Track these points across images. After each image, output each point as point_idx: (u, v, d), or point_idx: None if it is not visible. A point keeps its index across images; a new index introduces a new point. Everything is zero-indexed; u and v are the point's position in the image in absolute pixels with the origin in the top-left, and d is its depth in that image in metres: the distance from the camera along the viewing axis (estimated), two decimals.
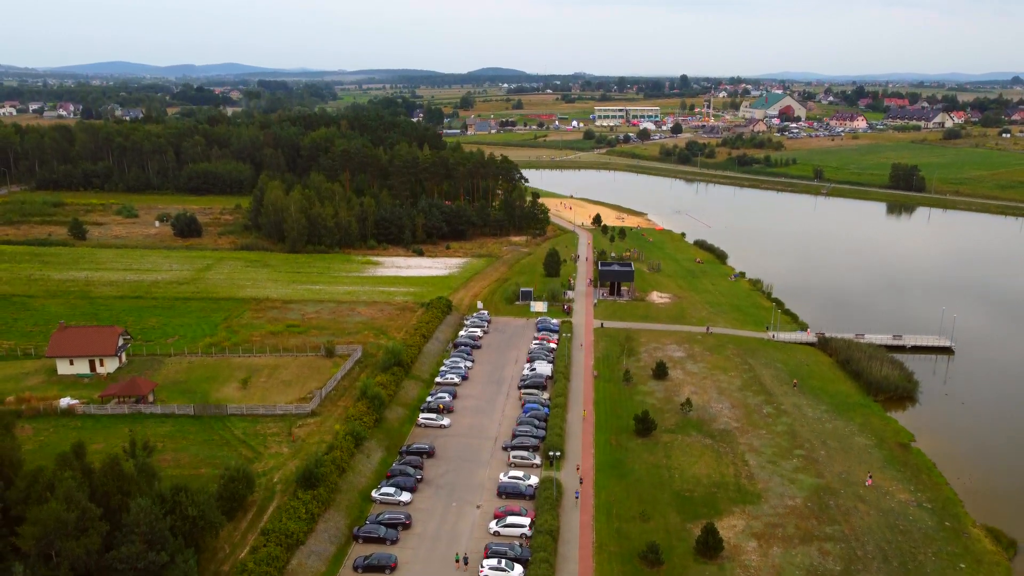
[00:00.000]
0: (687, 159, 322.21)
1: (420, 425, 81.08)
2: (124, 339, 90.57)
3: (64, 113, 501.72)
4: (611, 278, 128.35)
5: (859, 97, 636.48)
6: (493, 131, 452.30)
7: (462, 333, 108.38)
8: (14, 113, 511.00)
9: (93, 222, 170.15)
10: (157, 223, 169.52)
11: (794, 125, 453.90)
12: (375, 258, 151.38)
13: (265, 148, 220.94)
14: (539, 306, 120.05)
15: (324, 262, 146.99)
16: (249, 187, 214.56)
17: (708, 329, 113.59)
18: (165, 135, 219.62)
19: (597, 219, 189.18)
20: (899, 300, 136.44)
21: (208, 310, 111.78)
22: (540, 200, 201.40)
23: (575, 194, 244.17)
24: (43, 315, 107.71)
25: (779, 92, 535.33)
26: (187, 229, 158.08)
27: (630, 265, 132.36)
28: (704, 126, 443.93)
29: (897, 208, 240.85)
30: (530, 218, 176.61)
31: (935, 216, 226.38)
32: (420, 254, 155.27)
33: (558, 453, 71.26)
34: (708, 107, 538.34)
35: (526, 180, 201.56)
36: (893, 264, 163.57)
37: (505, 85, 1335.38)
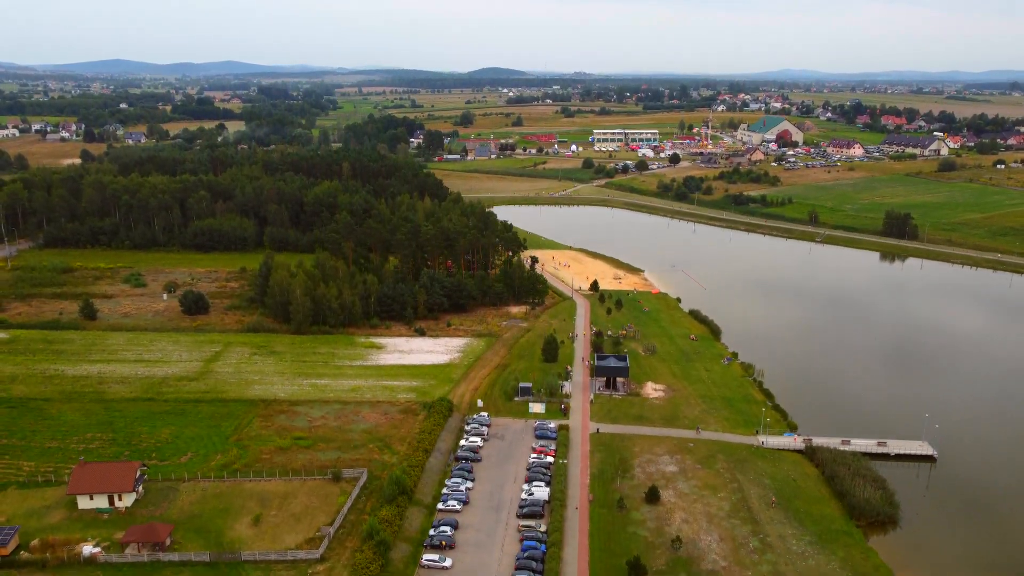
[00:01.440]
0: (684, 196, 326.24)
1: (424, 566, 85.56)
2: (141, 471, 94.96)
3: (67, 135, 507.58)
4: (607, 373, 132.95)
5: (857, 114, 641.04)
6: (493, 156, 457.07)
7: (463, 443, 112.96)
8: (17, 134, 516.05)
9: (102, 294, 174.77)
10: (165, 295, 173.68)
11: (791, 153, 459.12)
12: (378, 340, 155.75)
13: (269, 204, 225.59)
14: (537, 407, 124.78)
15: (328, 346, 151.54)
16: (253, 244, 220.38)
17: (699, 431, 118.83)
18: (170, 190, 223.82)
19: (595, 285, 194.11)
20: (886, 383, 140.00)
21: (218, 417, 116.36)
22: (539, 259, 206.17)
23: (575, 243, 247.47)
24: (60, 425, 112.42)
25: (777, 117, 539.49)
26: (194, 306, 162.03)
27: (625, 359, 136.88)
28: (702, 154, 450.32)
29: (890, 257, 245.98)
30: (529, 288, 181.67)
31: (926, 270, 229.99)
32: (422, 334, 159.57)
33: None
34: (706, 127, 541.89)
35: (524, 246, 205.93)
36: (881, 335, 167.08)
37: (505, 91, 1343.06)
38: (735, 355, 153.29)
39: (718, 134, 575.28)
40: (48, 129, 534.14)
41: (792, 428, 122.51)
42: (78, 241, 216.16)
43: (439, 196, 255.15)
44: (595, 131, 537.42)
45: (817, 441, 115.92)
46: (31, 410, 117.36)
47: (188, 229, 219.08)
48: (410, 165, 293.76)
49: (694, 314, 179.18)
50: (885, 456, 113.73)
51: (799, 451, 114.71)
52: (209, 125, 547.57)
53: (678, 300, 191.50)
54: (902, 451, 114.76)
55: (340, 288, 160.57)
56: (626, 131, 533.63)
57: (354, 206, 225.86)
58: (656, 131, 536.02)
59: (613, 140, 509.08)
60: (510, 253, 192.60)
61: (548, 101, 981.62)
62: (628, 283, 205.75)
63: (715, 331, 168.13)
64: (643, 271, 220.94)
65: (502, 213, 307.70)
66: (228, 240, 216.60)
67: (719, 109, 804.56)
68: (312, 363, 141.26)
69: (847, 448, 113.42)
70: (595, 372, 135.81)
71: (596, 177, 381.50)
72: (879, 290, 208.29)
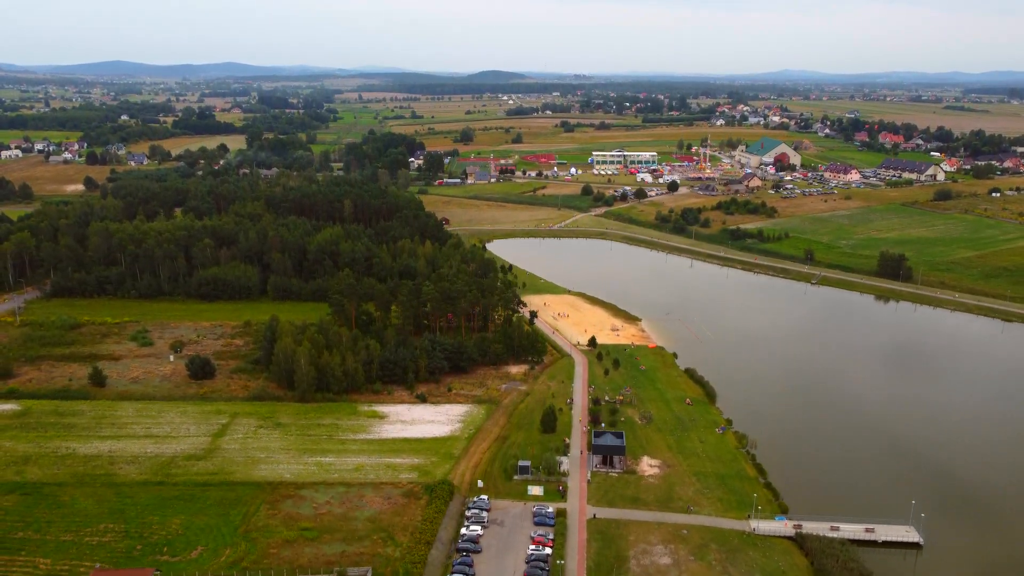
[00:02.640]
0: (682, 229, 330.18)
1: None
2: (156, 573, 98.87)
3: (69, 156, 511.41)
4: (604, 452, 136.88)
5: (855, 130, 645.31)
6: (493, 179, 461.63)
7: (463, 531, 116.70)
8: (20, 155, 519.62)
9: (110, 355, 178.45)
10: (171, 356, 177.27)
11: (789, 178, 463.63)
12: (380, 408, 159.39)
13: (272, 252, 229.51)
14: (536, 489, 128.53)
15: (332, 416, 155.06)
16: (257, 292, 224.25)
17: (689, 510, 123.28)
18: (175, 239, 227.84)
19: (592, 341, 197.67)
20: (875, 453, 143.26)
21: (227, 504, 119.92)
22: (537, 312, 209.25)
23: (573, 285, 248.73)
24: (74, 515, 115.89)
25: (775, 140, 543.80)
26: (201, 371, 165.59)
27: (621, 437, 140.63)
28: (701, 179, 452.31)
29: (884, 299, 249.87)
30: (528, 347, 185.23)
31: (919, 317, 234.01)
32: (423, 400, 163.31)
33: None
34: (705, 147, 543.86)
35: (524, 304, 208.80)
36: (873, 397, 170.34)
37: (505, 98, 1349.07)
38: (729, 423, 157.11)
39: (716, 154, 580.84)
40: (51, 149, 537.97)
41: (783, 510, 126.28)
42: (84, 291, 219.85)
43: (440, 239, 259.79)
44: (594, 153, 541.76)
45: (807, 526, 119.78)
46: (45, 496, 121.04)
47: (193, 279, 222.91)
48: (411, 205, 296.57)
49: (690, 373, 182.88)
50: (873, 543, 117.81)
51: (790, 538, 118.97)
52: (211, 144, 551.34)
53: (674, 356, 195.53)
54: (889, 538, 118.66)
55: (343, 355, 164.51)
56: (625, 153, 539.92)
57: (356, 255, 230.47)
58: (655, 153, 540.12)
59: (612, 163, 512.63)
60: (510, 312, 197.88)
61: (548, 112, 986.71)
62: (626, 335, 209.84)
63: (710, 394, 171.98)
64: (640, 320, 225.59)
65: (502, 247, 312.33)
66: (232, 289, 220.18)
67: (718, 124, 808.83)
68: (316, 437, 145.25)
69: (836, 535, 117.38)
70: (592, 449, 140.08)
71: (595, 205, 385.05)
72: (871, 344, 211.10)
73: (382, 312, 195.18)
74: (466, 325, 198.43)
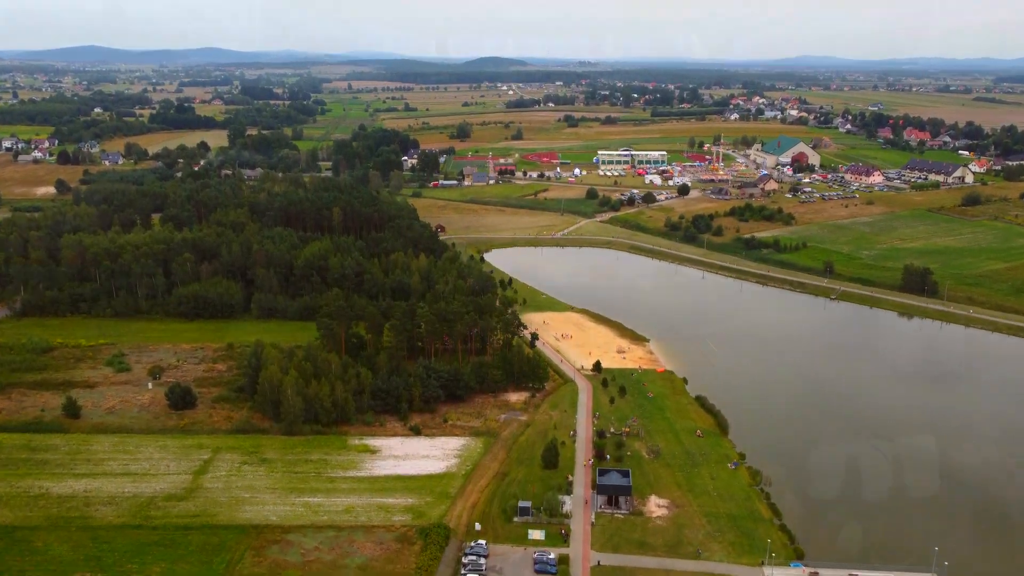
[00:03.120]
0: (693, 237, 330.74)
1: None
2: None
3: (39, 155, 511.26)
4: (610, 492, 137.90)
5: (878, 126, 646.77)
6: (491, 181, 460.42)
7: None
8: None
9: (84, 382, 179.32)
10: (150, 383, 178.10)
11: (807, 180, 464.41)
12: (372, 442, 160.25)
13: (257, 267, 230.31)
14: (536, 533, 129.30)
15: (321, 450, 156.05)
16: (240, 310, 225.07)
17: (699, 553, 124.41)
18: (153, 253, 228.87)
19: (597, 366, 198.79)
20: (895, 491, 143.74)
21: (209, 549, 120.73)
22: (539, 334, 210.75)
23: (577, 302, 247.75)
24: (48, 562, 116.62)
25: (793, 138, 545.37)
26: (181, 401, 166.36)
27: (628, 476, 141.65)
28: (713, 181, 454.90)
29: (907, 316, 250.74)
30: (529, 373, 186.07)
31: (945, 335, 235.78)
32: (417, 432, 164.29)
33: None
34: (718, 146, 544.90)
35: (524, 326, 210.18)
36: (894, 428, 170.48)
37: (504, 87, 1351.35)
38: (742, 457, 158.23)
39: (730, 152, 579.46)
40: (19, 147, 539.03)
41: (799, 556, 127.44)
42: (57, 309, 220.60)
43: (435, 251, 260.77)
44: (600, 152, 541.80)
45: (824, 574, 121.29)
46: (17, 542, 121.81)
47: (172, 295, 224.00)
48: (404, 213, 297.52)
49: (700, 401, 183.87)
50: None
51: None
52: (190, 141, 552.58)
53: (684, 381, 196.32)
54: None
55: (332, 384, 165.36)
56: (632, 152, 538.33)
57: (346, 270, 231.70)
58: (664, 152, 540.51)
59: (619, 163, 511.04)
60: (509, 335, 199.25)
61: (550, 105, 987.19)
62: (633, 358, 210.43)
63: (722, 424, 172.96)
64: (648, 341, 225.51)
65: (501, 258, 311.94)
66: (214, 307, 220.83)
67: (732, 118, 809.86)
68: (304, 475, 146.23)
69: None
70: (597, 489, 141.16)
71: (600, 210, 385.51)
72: (895, 368, 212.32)
73: (373, 335, 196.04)
74: (463, 348, 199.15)
